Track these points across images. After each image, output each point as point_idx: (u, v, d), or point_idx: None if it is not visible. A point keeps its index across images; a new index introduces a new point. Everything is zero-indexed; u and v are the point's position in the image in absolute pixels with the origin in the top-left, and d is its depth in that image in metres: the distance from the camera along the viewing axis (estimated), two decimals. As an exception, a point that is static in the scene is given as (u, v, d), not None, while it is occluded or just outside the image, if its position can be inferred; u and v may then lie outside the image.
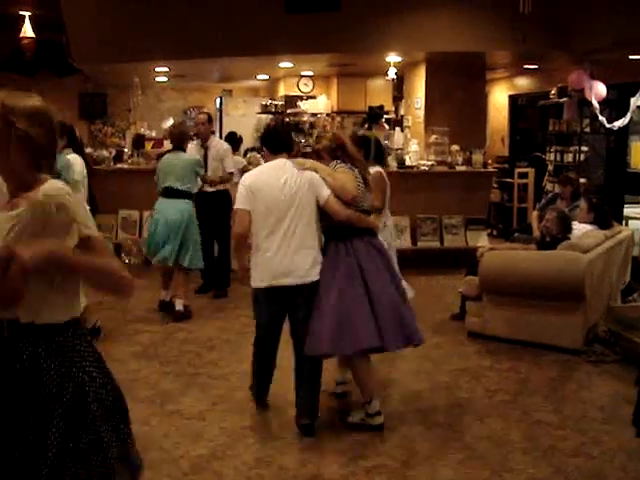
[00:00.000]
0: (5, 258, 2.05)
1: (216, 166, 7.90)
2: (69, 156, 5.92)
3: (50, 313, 2.28)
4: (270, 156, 4.73)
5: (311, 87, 14.06)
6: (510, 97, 14.22)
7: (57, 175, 2.52)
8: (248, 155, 10.11)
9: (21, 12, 11.37)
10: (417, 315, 7.22)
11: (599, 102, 10.22)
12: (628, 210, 10.98)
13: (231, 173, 7.97)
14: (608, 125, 10.26)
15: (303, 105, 13.41)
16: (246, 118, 14.32)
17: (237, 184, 4.86)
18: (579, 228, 6.97)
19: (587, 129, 11.27)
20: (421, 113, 11.31)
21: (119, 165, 10.37)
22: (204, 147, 7.97)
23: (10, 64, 13.12)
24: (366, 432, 4.60)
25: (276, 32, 9.79)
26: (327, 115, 13.12)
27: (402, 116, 12.73)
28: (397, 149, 10.44)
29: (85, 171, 6.08)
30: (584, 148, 11.28)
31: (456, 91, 10.89)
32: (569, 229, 6.74)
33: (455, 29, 9.79)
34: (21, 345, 2.25)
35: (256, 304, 4.72)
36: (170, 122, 13.40)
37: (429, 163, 10.12)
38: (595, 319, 6.50)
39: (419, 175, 9.93)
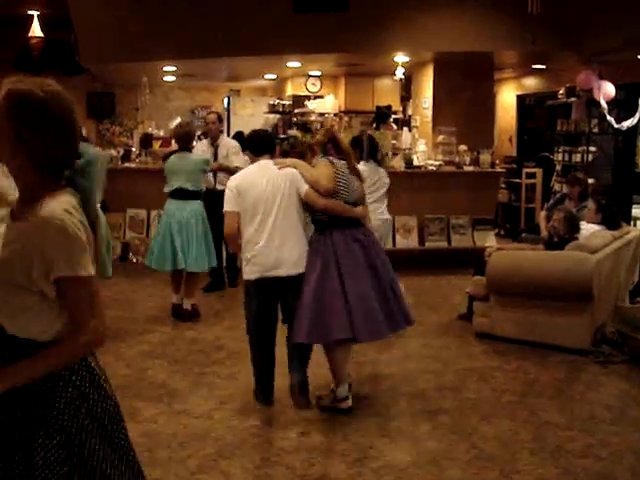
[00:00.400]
0: None
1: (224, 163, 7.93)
2: None
3: (36, 329, 2.06)
4: (254, 158, 5.05)
5: (319, 87, 14.05)
6: (518, 97, 14.20)
7: (79, 172, 2.14)
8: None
9: (29, 12, 11.42)
10: (424, 315, 7.31)
11: (607, 102, 10.20)
12: (636, 211, 10.97)
13: (238, 168, 7.97)
14: (616, 125, 10.24)
15: (311, 105, 13.41)
16: (254, 118, 14.33)
17: None
18: (587, 228, 6.95)
19: (595, 129, 11.25)
20: (429, 113, 11.30)
21: (127, 164, 10.39)
22: (214, 146, 8.00)
23: (18, 63, 13.16)
24: (374, 432, 4.60)
25: (284, 32, 9.79)
26: (335, 115, 13.11)
27: (410, 116, 12.72)
28: (405, 149, 10.43)
29: None
30: (592, 148, 11.25)
31: (464, 91, 10.87)
32: (577, 229, 6.72)
33: (463, 29, 9.78)
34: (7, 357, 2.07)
35: (247, 297, 4.92)
36: (178, 122, 13.42)
37: (437, 163, 10.11)
38: (603, 320, 6.48)
39: (427, 175, 9.92)
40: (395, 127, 11.66)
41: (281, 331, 4.94)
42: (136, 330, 6.74)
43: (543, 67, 12.26)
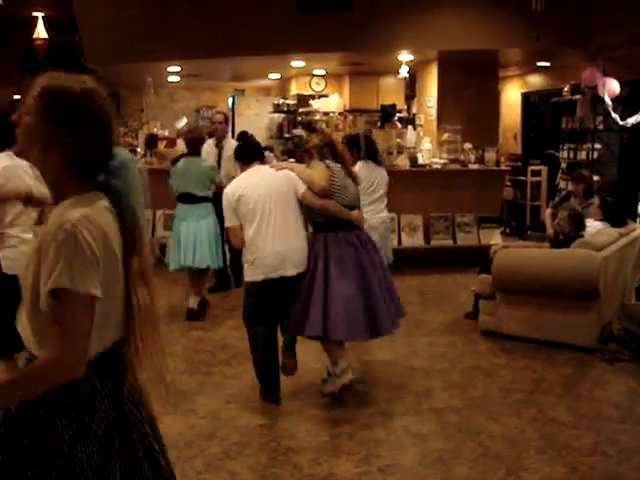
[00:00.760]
0: None
1: (230, 166, 7.89)
2: None
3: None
4: (244, 167, 5.17)
5: (323, 86, 14.06)
6: (523, 95, 14.18)
7: (113, 173, 1.99)
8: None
9: (34, 13, 11.44)
10: (430, 313, 7.31)
11: (612, 99, 10.19)
12: (642, 208, 10.91)
13: None
14: (621, 122, 10.22)
15: (315, 104, 13.40)
16: (258, 117, 14.33)
17: None
18: (592, 226, 6.93)
19: (600, 126, 11.21)
20: (433, 111, 11.29)
21: (132, 165, 10.39)
22: (219, 147, 7.97)
23: (23, 65, 13.19)
24: (380, 431, 4.60)
25: (288, 31, 9.80)
26: (339, 114, 13.11)
27: (414, 114, 12.71)
28: (409, 147, 10.42)
29: None
30: (597, 145, 11.22)
31: (468, 89, 10.86)
32: (582, 227, 6.70)
33: (467, 27, 9.77)
34: None
35: (250, 298, 5.04)
36: (184, 122, 13.41)
37: (442, 161, 10.10)
38: (609, 317, 6.47)
39: (432, 173, 9.90)
40: (400, 126, 11.65)
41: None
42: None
43: (548, 64, 12.24)
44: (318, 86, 14.04)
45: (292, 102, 14.05)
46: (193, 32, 9.89)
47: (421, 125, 11.74)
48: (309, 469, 4.10)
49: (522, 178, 12.45)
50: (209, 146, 8.08)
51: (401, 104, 13.27)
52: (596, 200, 7.54)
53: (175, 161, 7.44)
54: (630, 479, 4.01)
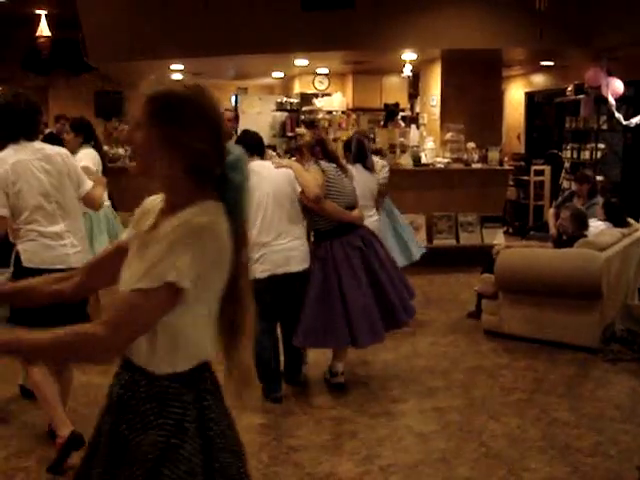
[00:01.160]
0: None
1: None
2: (83, 150, 6.04)
3: (153, 355, 1.89)
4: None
5: (326, 85, 14.05)
6: (526, 94, 14.16)
7: (231, 167, 1.91)
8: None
9: (37, 11, 11.45)
10: (433, 313, 7.30)
11: (616, 99, 10.17)
12: (646, 208, 10.90)
13: None
14: (625, 122, 10.21)
15: (318, 103, 13.40)
16: (262, 116, 14.32)
17: None
18: (596, 226, 6.92)
19: (604, 126, 11.20)
20: (437, 110, 11.27)
21: (134, 163, 10.38)
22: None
23: (27, 63, 13.21)
24: (382, 430, 4.60)
25: (292, 29, 9.79)
26: (342, 112, 13.10)
27: (418, 113, 12.69)
28: (413, 147, 10.41)
29: (100, 168, 6.15)
30: (601, 145, 11.21)
31: (472, 88, 10.84)
32: (585, 226, 6.69)
33: (471, 26, 9.75)
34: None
35: (255, 295, 4.89)
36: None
37: (445, 161, 10.08)
38: (612, 317, 6.46)
39: (435, 173, 9.89)
40: (403, 125, 11.64)
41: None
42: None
43: (551, 64, 12.22)
44: (321, 85, 14.04)
45: (295, 101, 14.04)
46: (196, 30, 9.89)
47: (424, 124, 11.72)
48: (310, 468, 4.10)
49: (525, 178, 12.44)
50: None
51: (404, 103, 13.26)
52: (600, 200, 7.53)
53: None
54: (631, 479, 4.00)
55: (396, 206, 7.66)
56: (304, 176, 5.00)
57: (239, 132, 9.43)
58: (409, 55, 10.70)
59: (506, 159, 11.12)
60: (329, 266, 4.95)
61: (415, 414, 4.89)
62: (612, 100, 10.10)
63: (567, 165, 11.81)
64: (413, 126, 11.36)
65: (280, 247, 4.86)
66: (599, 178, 9.97)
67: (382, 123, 11.49)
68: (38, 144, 4.08)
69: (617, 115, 10.21)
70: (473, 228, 9.83)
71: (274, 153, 9.47)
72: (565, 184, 11.45)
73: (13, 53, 13.57)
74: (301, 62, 12.00)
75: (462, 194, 9.78)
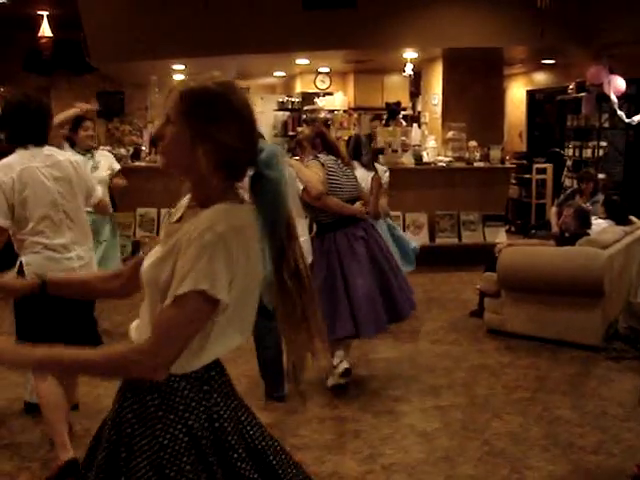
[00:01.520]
0: None
1: None
2: (98, 151, 6.11)
3: None
4: None
5: (328, 84, 14.04)
6: (528, 92, 14.15)
7: (265, 165, 1.88)
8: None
9: (39, 12, 11.45)
10: (435, 311, 7.31)
11: (618, 97, 10.16)
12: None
13: None
14: (627, 120, 10.20)
15: (320, 102, 13.40)
16: (263, 115, 14.31)
17: None
18: (598, 224, 6.93)
19: (606, 124, 11.18)
20: (438, 109, 11.27)
21: (137, 163, 10.40)
22: None
23: (28, 64, 13.22)
24: (385, 429, 4.60)
25: (293, 29, 9.80)
26: (344, 112, 13.10)
27: (419, 112, 12.70)
28: (414, 145, 10.41)
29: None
30: (603, 143, 11.19)
31: (473, 87, 10.84)
32: (588, 224, 6.69)
33: (472, 24, 9.76)
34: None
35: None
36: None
37: (447, 159, 10.09)
38: (615, 315, 6.46)
39: (437, 171, 9.89)
40: (404, 123, 11.64)
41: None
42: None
43: (553, 62, 12.21)
44: (323, 84, 14.03)
45: (297, 100, 14.04)
46: (197, 30, 9.89)
47: (426, 123, 11.72)
48: (313, 467, 4.10)
49: (527, 176, 12.43)
50: None
51: (406, 102, 13.25)
52: (601, 198, 7.53)
53: None
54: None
55: (398, 205, 7.65)
56: (305, 173, 4.99)
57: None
58: (410, 54, 10.70)
59: (508, 157, 11.13)
60: (333, 256, 4.96)
61: (418, 413, 4.89)
62: (614, 98, 10.09)
63: (569, 163, 11.80)
64: (415, 125, 11.37)
65: None
66: (601, 176, 9.97)
67: (384, 122, 11.49)
68: (47, 150, 3.91)
69: (619, 113, 10.20)
70: (475, 227, 9.83)
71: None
72: (567, 182, 11.44)
73: (15, 54, 13.58)
74: (302, 61, 12.00)
75: (464, 193, 9.78)
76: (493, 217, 9.91)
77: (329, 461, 4.18)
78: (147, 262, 1.94)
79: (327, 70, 13.63)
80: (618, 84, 10.08)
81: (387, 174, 7.33)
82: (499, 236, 9.63)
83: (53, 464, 3.86)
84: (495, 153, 10.21)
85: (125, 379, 1.94)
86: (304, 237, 5.04)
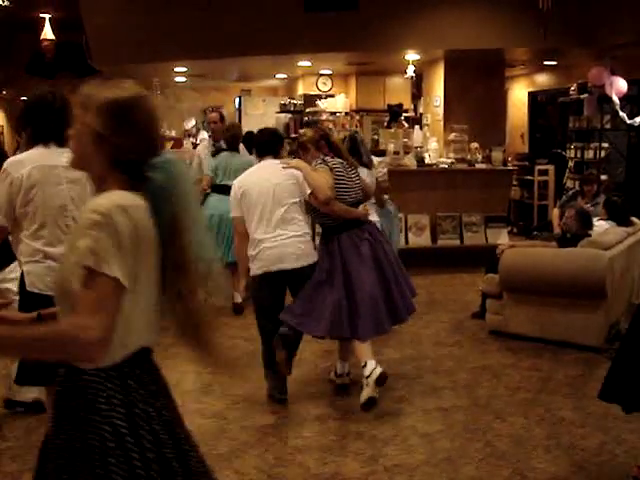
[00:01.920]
0: None
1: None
2: None
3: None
4: (259, 158, 5.26)
5: (330, 86, 14.06)
6: (530, 94, 14.16)
7: (155, 167, 2.04)
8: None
9: (41, 15, 11.46)
10: (437, 313, 7.31)
11: (620, 98, 10.16)
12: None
13: None
14: (629, 121, 10.20)
15: (322, 104, 13.41)
16: (265, 117, 14.34)
17: None
18: (600, 225, 6.92)
19: (608, 125, 11.18)
20: (440, 111, 11.28)
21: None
22: (216, 147, 7.93)
23: (31, 67, 13.23)
24: (387, 430, 4.60)
25: (295, 31, 9.81)
26: (346, 114, 13.11)
27: (421, 114, 12.70)
28: (416, 147, 10.42)
29: None
30: (605, 145, 11.19)
31: (475, 88, 10.86)
32: (589, 226, 6.68)
33: (474, 26, 9.77)
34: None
35: (255, 291, 5.10)
36: (192, 123, 13.42)
37: (448, 161, 10.09)
38: (617, 316, 6.46)
39: (439, 173, 9.89)
40: (406, 125, 11.65)
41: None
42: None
43: (554, 63, 12.22)
44: (325, 86, 14.05)
45: (299, 102, 14.05)
46: (199, 32, 9.91)
47: (428, 125, 11.73)
48: (316, 469, 4.11)
49: (529, 177, 12.43)
50: (204, 146, 8.05)
51: (408, 104, 13.26)
52: (603, 199, 7.53)
53: (217, 153, 7.45)
54: (637, 478, 4.00)
55: (400, 206, 7.63)
56: (314, 177, 4.92)
57: (236, 133, 9.38)
58: (412, 56, 10.71)
59: (510, 159, 11.13)
60: (336, 256, 4.92)
61: (420, 414, 4.89)
62: (616, 99, 10.09)
63: (571, 164, 11.80)
64: (416, 127, 11.38)
65: (274, 244, 4.85)
66: (603, 177, 9.97)
67: (386, 124, 11.49)
68: (69, 150, 3.81)
69: (621, 114, 10.20)
70: (477, 228, 9.83)
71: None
72: (569, 184, 11.45)
73: (17, 57, 13.59)
74: (304, 63, 12.02)
75: (466, 194, 9.78)
76: (495, 218, 9.91)
77: (331, 462, 4.18)
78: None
79: (329, 72, 13.65)
80: (620, 85, 10.08)
81: (383, 165, 7.18)
82: (501, 237, 9.63)
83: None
84: (497, 155, 10.21)
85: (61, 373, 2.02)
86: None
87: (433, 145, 10.39)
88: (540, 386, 5.41)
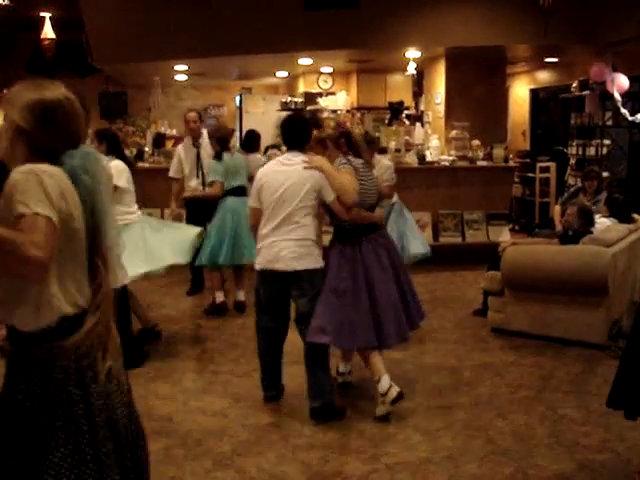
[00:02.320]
0: None
1: (210, 163, 7.88)
2: (112, 163, 5.85)
3: (19, 319, 2.18)
4: (286, 150, 5.01)
5: (330, 84, 14.03)
6: (531, 91, 14.14)
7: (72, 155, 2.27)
8: (268, 152, 10.10)
9: (41, 14, 11.46)
10: (439, 311, 7.30)
11: (621, 95, 10.13)
12: (652, 204, 10.86)
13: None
14: (630, 118, 10.18)
15: (323, 102, 13.39)
16: (266, 116, 14.31)
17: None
18: (601, 222, 6.91)
19: (609, 122, 11.17)
20: (441, 108, 11.26)
21: (140, 164, 10.40)
22: (195, 146, 7.91)
23: (32, 66, 13.23)
24: (389, 428, 4.60)
25: (295, 29, 9.80)
26: (347, 111, 13.09)
27: (422, 112, 12.68)
28: (418, 145, 10.40)
29: (131, 178, 6.10)
30: (606, 141, 11.19)
31: (476, 86, 10.84)
32: (591, 223, 6.68)
33: (474, 23, 9.75)
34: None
35: (256, 285, 4.96)
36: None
37: (450, 158, 10.08)
38: (619, 314, 6.44)
39: (440, 170, 9.89)
40: (407, 123, 11.63)
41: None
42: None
43: (556, 60, 12.20)
44: (326, 84, 14.03)
45: (300, 100, 14.02)
46: (200, 30, 9.90)
47: (429, 122, 11.71)
48: (318, 467, 4.10)
49: (531, 175, 12.41)
50: (186, 146, 8.03)
51: (409, 101, 13.23)
52: (605, 196, 7.52)
53: (220, 156, 7.40)
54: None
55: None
56: (340, 180, 4.69)
57: (244, 132, 9.40)
58: (413, 53, 10.68)
59: (511, 156, 11.11)
60: (357, 263, 4.76)
61: (422, 412, 4.88)
62: (617, 96, 10.07)
63: (572, 161, 11.79)
64: (418, 124, 11.36)
65: (272, 243, 4.72)
66: (605, 174, 9.95)
67: (387, 122, 11.48)
68: None
69: (623, 111, 10.18)
70: (479, 225, 9.83)
71: (279, 152, 9.46)
72: (571, 180, 11.44)
73: (18, 56, 13.59)
74: (305, 61, 11.99)
75: (467, 192, 9.78)
76: (497, 216, 9.91)
77: (333, 460, 4.18)
78: None
79: (330, 70, 13.62)
80: (621, 82, 10.06)
81: (391, 170, 7.12)
82: (503, 235, 9.62)
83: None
84: (498, 152, 10.20)
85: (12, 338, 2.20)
86: None
87: (434, 143, 10.38)
88: (542, 384, 5.40)
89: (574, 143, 11.84)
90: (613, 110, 10.79)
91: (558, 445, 4.34)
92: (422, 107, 12.96)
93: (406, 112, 12.30)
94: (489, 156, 10.20)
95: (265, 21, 9.76)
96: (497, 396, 5.17)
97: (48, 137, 2.22)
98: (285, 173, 4.75)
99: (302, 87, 14.26)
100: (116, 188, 5.78)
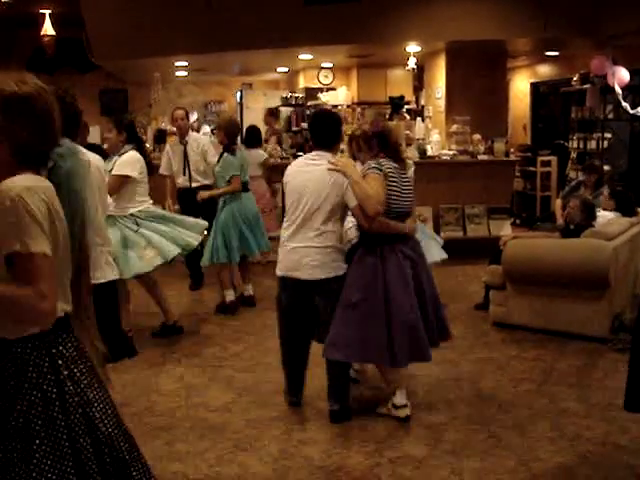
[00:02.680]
0: None
1: (197, 160, 7.88)
2: (127, 154, 5.82)
3: (5, 329, 2.12)
4: (314, 147, 4.77)
5: (331, 79, 14.03)
6: (532, 85, 14.12)
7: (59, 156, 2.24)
8: (269, 148, 10.10)
9: (41, 10, 11.45)
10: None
11: (622, 88, 10.12)
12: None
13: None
14: (631, 111, 10.16)
15: (323, 97, 13.38)
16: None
17: (252, 178, 4.98)
18: (603, 215, 6.91)
19: (610, 115, 11.16)
20: (442, 103, 11.25)
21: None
22: (183, 143, 7.92)
23: (32, 63, 13.22)
24: (391, 423, 4.60)
25: (295, 24, 9.79)
26: (347, 106, 13.09)
27: (423, 106, 12.68)
28: (418, 139, 10.40)
29: (145, 169, 6.04)
30: (607, 135, 11.17)
31: (477, 80, 10.83)
32: (593, 216, 6.67)
33: (475, 17, 9.73)
34: None
35: (278, 292, 4.83)
36: (195, 117, 13.40)
37: (451, 153, 10.08)
38: (621, 307, 6.45)
39: (441, 165, 9.89)
40: (408, 117, 11.62)
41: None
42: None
43: (556, 54, 12.18)
44: (326, 79, 14.02)
45: (300, 95, 14.03)
46: (200, 26, 9.89)
47: (430, 117, 11.71)
48: (320, 461, 4.11)
49: (532, 169, 12.39)
50: (174, 143, 8.04)
51: (409, 96, 13.21)
52: (606, 190, 7.51)
53: (229, 152, 7.34)
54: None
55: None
56: (364, 188, 4.38)
57: (244, 128, 9.39)
58: (413, 48, 10.68)
59: (512, 150, 11.11)
60: (377, 275, 4.43)
61: (423, 406, 4.88)
62: (618, 89, 10.06)
63: (573, 155, 11.77)
64: (418, 119, 11.36)
65: (293, 249, 4.55)
66: (606, 168, 9.94)
67: (387, 116, 11.47)
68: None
69: (623, 104, 10.17)
70: (480, 220, 9.83)
71: (279, 148, 9.45)
72: (572, 174, 11.42)
73: (18, 53, 13.58)
74: (305, 56, 11.99)
75: (469, 186, 9.78)
76: (498, 210, 9.91)
77: (335, 455, 4.18)
78: None
79: (330, 65, 13.62)
80: (622, 75, 10.04)
81: (411, 170, 6.94)
82: (504, 229, 9.62)
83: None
84: (499, 146, 10.20)
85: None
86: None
87: (435, 137, 10.38)
88: (544, 377, 5.41)
89: (575, 137, 11.82)
90: (614, 103, 10.78)
91: (560, 438, 4.34)
92: (423, 102, 12.95)
93: (407, 107, 12.28)
94: (490, 150, 10.20)
95: (265, 16, 9.75)
96: (499, 390, 5.18)
97: (26, 134, 2.15)
98: (309, 173, 4.55)
99: (302, 82, 14.26)
100: (129, 178, 5.80)
